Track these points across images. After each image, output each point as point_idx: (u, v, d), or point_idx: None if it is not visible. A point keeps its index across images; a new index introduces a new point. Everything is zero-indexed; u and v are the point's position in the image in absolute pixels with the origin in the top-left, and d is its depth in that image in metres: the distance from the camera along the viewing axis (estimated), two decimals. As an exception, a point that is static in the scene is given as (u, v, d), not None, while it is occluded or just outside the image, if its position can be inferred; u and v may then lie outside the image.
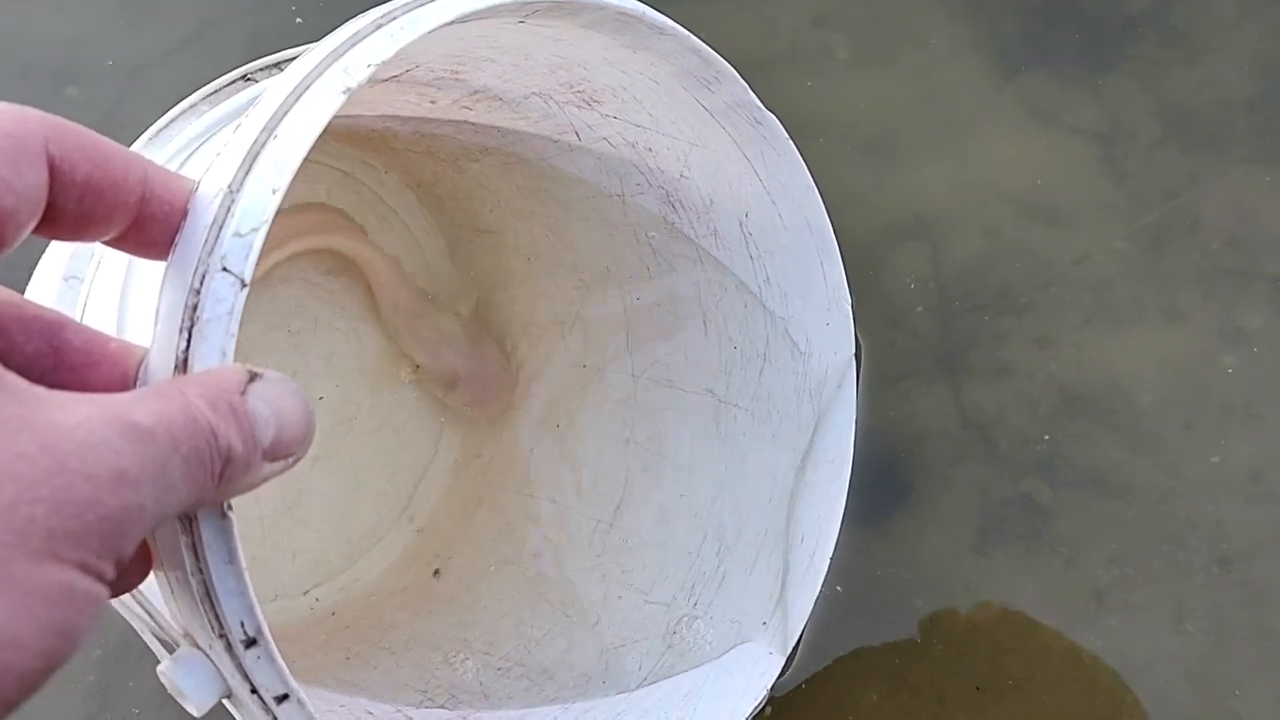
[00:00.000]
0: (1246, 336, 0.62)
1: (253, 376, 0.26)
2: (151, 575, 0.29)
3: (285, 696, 0.30)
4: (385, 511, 0.62)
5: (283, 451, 0.27)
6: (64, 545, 0.21)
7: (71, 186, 0.25)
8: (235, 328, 0.27)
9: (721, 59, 0.45)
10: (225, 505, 0.27)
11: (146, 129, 0.52)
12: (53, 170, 0.24)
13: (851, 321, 0.54)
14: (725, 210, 0.53)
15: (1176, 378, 0.62)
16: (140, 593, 0.29)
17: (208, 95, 0.51)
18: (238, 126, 0.30)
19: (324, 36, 0.33)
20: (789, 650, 0.53)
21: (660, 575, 0.57)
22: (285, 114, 0.30)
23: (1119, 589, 0.60)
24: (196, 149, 0.49)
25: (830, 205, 0.63)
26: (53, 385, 0.24)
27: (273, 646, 0.29)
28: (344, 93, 0.31)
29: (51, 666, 0.22)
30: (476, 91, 0.49)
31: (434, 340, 0.61)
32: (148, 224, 0.27)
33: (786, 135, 0.49)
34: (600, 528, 0.59)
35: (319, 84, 0.31)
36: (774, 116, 0.49)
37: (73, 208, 0.25)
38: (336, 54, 0.32)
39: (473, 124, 0.52)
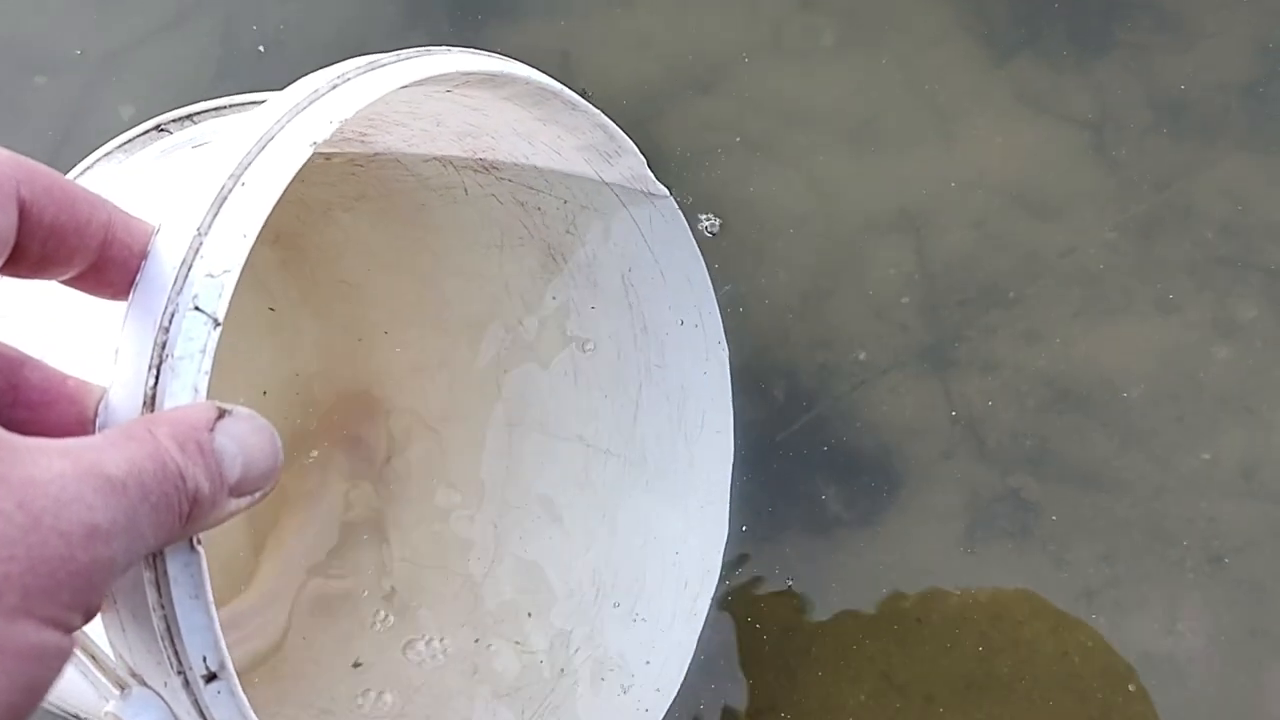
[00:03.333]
0: (1240, 328, 0.61)
1: (221, 414, 0.27)
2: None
3: None
4: (229, 577, 0.61)
5: (249, 488, 0.27)
6: (37, 602, 0.22)
7: (38, 229, 0.25)
8: (209, 365, 0.28)
9: (625, 135, 0.48)
10: (195, 539, 0.27)
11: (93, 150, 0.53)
12: (22, 213, 0.25)
13: (728, 370, 0.57)
14: (607, 264, 0.55)
15: (1168, 371, 0.61)
16: (84, 633, 0.29)
17: (123, 144, 0.52)
18: (189, 173, 0.31)
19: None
20: (676, 687, 0.54)
21: (535, 624, 0.57)
22: (250, 163, 0.31)
23: (1110, 587, 0.59)
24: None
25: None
26: (9, 423, 0.24)
27: (235, 680, 0.29)
28: (311, 145, 0.32)
29: None
30: (378, 154, 0.50)
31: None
32: (106, 266, 0.28)
33: (676, 205, 0.54)
34: (470, 583, 0.59)
35: (284, 135, 0.32)
36: (666, 189, 0.52)
37: (36, 249, 0.26)
38: (298, 109, 0.33)
39: (357, 177, 0.53)
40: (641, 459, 0.57)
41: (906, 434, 0.62)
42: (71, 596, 0.22)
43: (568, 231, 0.54)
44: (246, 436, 0.27)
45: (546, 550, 0.59)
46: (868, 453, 0.62)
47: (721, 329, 0.56)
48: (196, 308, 0.28)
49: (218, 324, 0.28)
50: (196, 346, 0.27)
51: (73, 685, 0.45)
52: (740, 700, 0.59)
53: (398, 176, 0.52)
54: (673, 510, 0.57)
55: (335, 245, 0.59)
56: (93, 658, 0.30)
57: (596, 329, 0.57)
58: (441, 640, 0.58)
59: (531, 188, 0.52)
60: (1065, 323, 0.62)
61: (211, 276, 0.28)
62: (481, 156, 0.50)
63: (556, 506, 0.59)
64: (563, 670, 0.55)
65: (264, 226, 0.57)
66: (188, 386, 0.27)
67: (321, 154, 0.50)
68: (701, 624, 0.56)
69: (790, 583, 0.61)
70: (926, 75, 0.67)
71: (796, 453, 0.62)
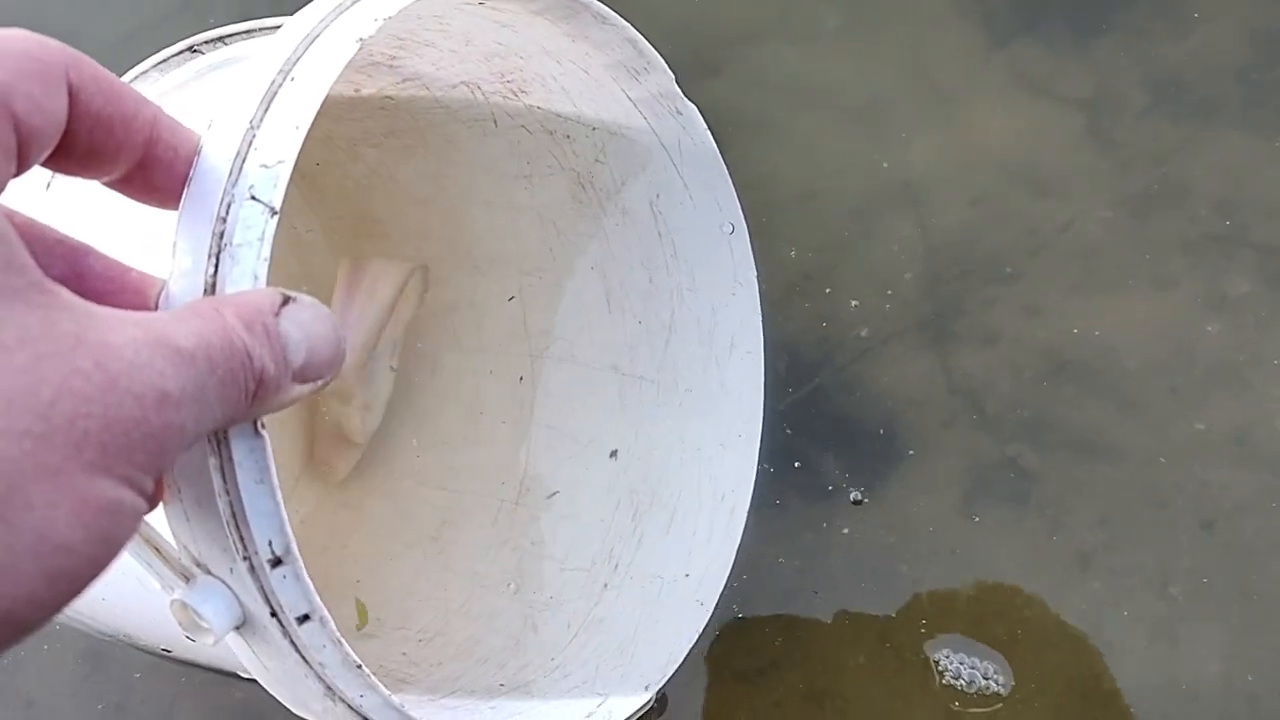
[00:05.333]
0: (1233, 303, 0.62)
1: (286, 300, 0.27)
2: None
3: (307, 617, 0.30)
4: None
5: (312, 374, 0.27)
6: (115, 460, 0.22)
7: (86, 117, 0.25)
8: (268, 253, 0.28)
9: (654, 50, 0.47)
10: (258, 423, 0.28)
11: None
12: (71, 97, 0.25)
13: (757, 290, 0.56)
14: (636, 192, 0.55)
15: (1162, 343, 0.63)
16: (147, 523, 0.29)
17: (158, 64, 0.52)
18: (231, 81, 0.31)
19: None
20: (717, 596, 0.54)
21: (574, 543, 0.58)
22: (298, 59, 0.31)
23: (1104, 552, 0.60)
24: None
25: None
26: None
27: (300, 563, 0.29)
28: (357, 41, 0.32)
29: (95, 573, 0.23)
30: (406, 80, 0.50)
31: None
32: (152, 167, 0.27)
33: (704, 125, 0.52)
34: (505, 507, 0.60)
35: (330, 32, 0.32)
36: (694, 106, 0.51)
37: (84, 139, 0.25)
38: (340, 9, 0.33)
39: (386, 111, 0.53)
40: (674, 383, 0.57)
41: (908, 404, 0.63)
42: (145, 458, 0.23)
43: (596, 160, 0.54)
44: (310, 323, 0.27)
45: (583, 473, 0.59)
46: (869, 422, 0.63)
47: (750, 249, 0.56)
48: (253, 197, 0.28)
49: (275, 213, 0.28)
50: (255, 234, 0.28)
51: (133, 603, 0.45)
52: (742, 659, 0.60)
53: (427, 108, 0.52)
54: (707, 429, 0.57)
55: (360, 182, 0.59)
56: (156, 550, 0.29)
57: (628, 256, 0.57)
58: (481, 561, 0.58)
59: (560, 115, 0.52)
60: (1063, 296, 0.64)
61: (266, 167, 0.28)
62: (509, 79, 0.49)
63: (592, 431, 0.59)
64: (605, 585, 0.55)
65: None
66: (248, 273, 0.27)
67: (352, 86, 0.50)
68: (739, 536, 0.55)
69: (792, 548, 0.62)
70: (928, 57, 0.68)
71: (798, 421, 0.63)
